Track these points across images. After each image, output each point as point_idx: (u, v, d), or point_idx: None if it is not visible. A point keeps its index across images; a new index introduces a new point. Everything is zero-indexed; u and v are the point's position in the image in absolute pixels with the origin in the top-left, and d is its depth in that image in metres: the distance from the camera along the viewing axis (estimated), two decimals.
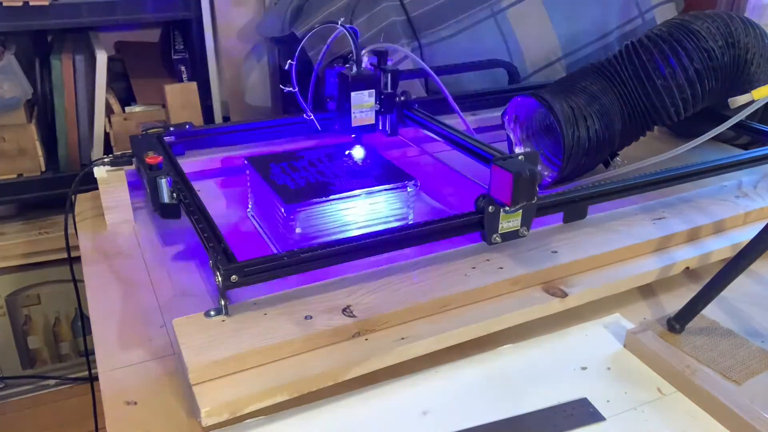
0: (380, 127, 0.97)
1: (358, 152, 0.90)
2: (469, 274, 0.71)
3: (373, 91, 0.93)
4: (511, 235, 0.74)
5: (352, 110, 0.92)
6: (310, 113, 0.95)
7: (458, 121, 0.97)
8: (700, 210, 0.86)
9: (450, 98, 0.95)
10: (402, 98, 0.97)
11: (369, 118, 0.94)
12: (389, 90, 0.96)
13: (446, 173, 1.01)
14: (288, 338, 0.61)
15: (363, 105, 0.92)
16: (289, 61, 0.88)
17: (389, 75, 0.95)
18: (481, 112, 1.17)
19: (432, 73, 0.95)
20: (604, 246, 0.77)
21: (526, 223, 0.74)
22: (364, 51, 0.92)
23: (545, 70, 1.34)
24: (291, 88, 0.90)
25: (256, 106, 1.51)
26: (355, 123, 0.93)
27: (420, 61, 0.96)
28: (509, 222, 0.73)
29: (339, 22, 0.88)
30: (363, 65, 0.92)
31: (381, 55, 0.94)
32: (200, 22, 1.38)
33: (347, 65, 0.95)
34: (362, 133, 0.95)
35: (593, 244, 0.77)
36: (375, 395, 0.62)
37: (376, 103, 0.94)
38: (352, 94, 0.91)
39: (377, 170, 0.86)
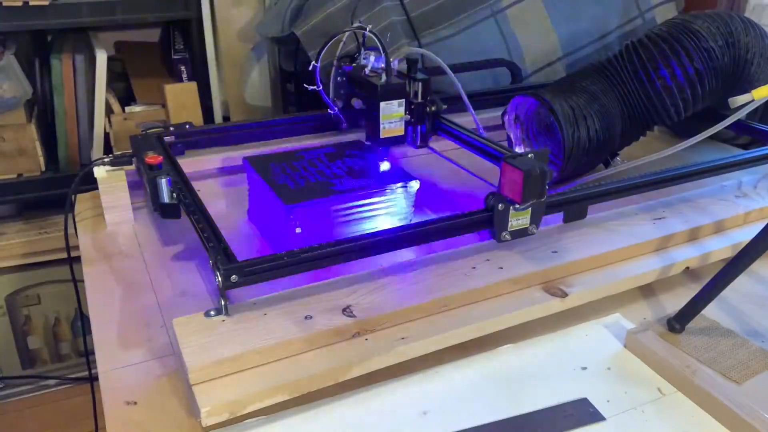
0: (410, 138, 0.93)
1: (362, 152, 0.89)
2: (469, 273, 0.71)
3: (403, 101, 0.88)
4: (520, 233, 0.74)
5: (381, 121, 0.88)
6: (335, 108, 0.94)
7: (462, 120, 0.97)
8: (700, 210, 0.86)
9: (466, 99, 0.93)
10: (433, 108, 0.92)
11: (398, 129, 0.90)
12: (420, 99, 0.90)
13: (452, 171, 1.01)
14: (288, 338, 0.61)
15: (392, 115, 0.88)
16: (313, 62, 0.87)
17: (420, 84, 0.90)
18: (482, 112, 1.17)
19: (452, 74, 0.93)
20: (604, 246, 0.77)
21: (535, 221, 0.74)
22: (392, 56, 0.89)
23: (545, 70, 1.34)
24: (314, 87, 0.89)
25: (256, 106, 1.51)
26: (383, 134, 0.89)
27: (442, 62, 0.94)
28: (518, 220, 0.73)
29: (368, 29, 0.86)
30: (367, 70, 0.91)
31: (411, 63, 0.90)
32: (200, 22, 1.38)
33: (354, 64, 0.94)
34: (390, 146, 0.91)
35: (593, 244, 0.77)
36: (375, 395, 0.62)
37: (405, 113, 0.89)
38: (381, 104, 0.87)
39: (378, 170, 0.86)
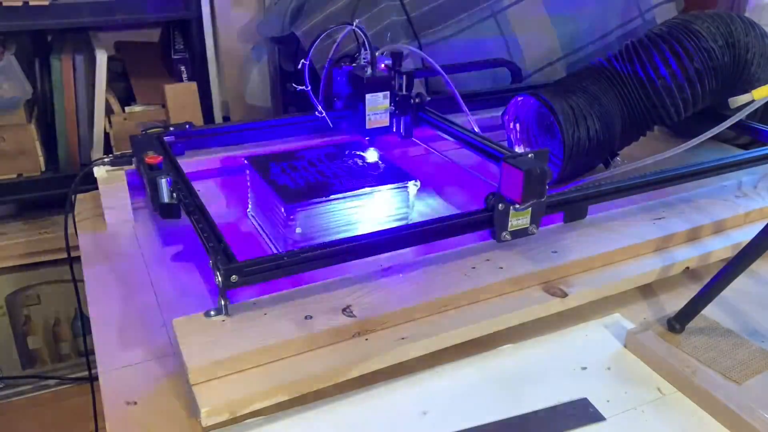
0: (394, 129, 0.96)
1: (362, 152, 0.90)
2: (469, 273, 0.71)
3: (388, 93, 0.92)
4: (520, 233, 0.74)
5: (367, 112, 0.92)
6: (322, 111, 0.95)
7: (461, 120, 0.97)
8: (700, 210, 0.86)
9: (459, 99, 0.94)
10: (417, 100, 0.97)
11: (383, 120, 0.93)
12: (404, 92, 0.95)
13: (450, 171, 1.01)
14: (288, 338, 0.61)
15: (378, 107, 0.92)
16: (303, 60, 0.88)
17: (404, 77, 0.94)
18: (481, 112, 1.17)
19: (444, 74, 0.94)
20: (604, 246, 0.77)
21: (535, 221, 0.74)
22: (378, 52, 0.92)
23: (545, 70, 1.34)
24: (302, 87, 0.90)
25: (256, 106, 1.51)
26: (369, 125, 0.93)
27: (432, 62, 0.95)
28: (518, 220, 0.73)
29: (355, 24, 0.88)
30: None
31: (396, 57, 0.93)
32: (200, 22, 1.38)
33: (354, 64, 0.95)
34: (376, 136, 0.94)
35: (593, 244, 0.77)
36: (375, 395, 0.62)
37: (390, 105, 0.93)
38: (367, 96, 0.91)
39: (378, 170, 0.86)
